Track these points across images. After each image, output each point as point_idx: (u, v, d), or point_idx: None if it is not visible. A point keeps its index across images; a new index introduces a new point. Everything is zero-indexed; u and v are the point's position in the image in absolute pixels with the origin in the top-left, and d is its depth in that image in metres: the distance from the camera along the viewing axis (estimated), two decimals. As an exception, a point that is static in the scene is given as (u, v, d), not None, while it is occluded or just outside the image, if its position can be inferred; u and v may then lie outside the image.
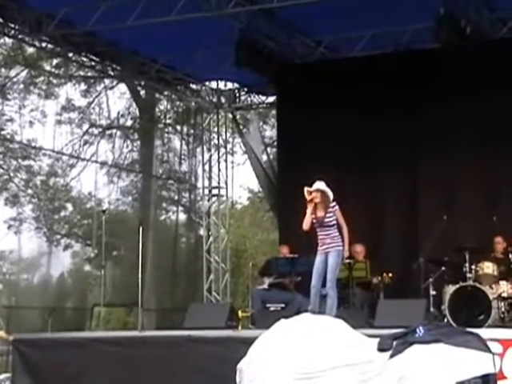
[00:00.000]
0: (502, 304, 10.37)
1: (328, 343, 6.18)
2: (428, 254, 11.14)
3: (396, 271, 12.04)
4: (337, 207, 9.57)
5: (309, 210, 9.56)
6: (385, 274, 11.79)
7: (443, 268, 11.12)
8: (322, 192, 9.57)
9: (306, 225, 9.59)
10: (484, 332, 6.64)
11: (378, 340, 6.10)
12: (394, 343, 5.93)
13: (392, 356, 5.81)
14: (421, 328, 6.00)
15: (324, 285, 9.61)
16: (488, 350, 5.78)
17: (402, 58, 13.01)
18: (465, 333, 6.05)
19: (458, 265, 10.90)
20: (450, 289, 10.55)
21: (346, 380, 5.78)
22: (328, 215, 9.52)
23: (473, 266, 10.73)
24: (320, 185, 9.63)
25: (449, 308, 10.31)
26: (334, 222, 9.51)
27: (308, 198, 9.55)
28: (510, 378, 7.03)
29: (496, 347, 6.88)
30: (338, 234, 9.55)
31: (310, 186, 9.65)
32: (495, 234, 11.34)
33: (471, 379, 5.65)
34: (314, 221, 9.57)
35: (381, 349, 5.97)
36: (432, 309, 10.55)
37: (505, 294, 10.45)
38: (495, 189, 12.72)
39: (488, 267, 10.76)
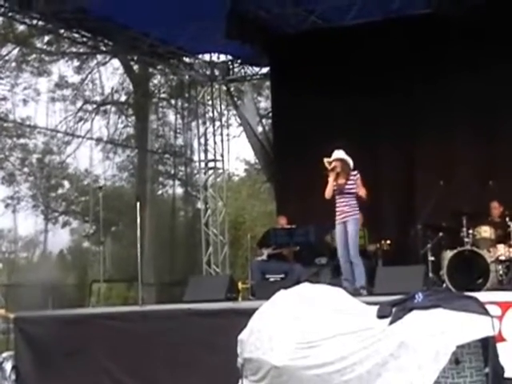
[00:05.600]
0: (500, 267, 10.44)
1: (328, 312, 6.20)
2: (425, 220, 11.18)
3: (394, 238, 12.11)
4: (358, 175, 9.83)
5: (331, 179, 9.74)
6: (383, 242, 11.86)
7: (441, 233, 11.17)
8: (342, 160, 9.80)
9: (328, 193, 9.88)
10: (483, 295, 6.67)
11: (377, 307, 6.13)
12: (394, 310, 5.95)
13: (391, 322, 5.82)
14: (419, 294, 6.01)
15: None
16: (487, 313, 5.79)
17: (394, 24, 12.94)
18: (463, 297, 6.07)
19: (456, 230, 10.96)
20: (448, 254, 10.61)
21: (347, 347, 5.81)
22: (349, 182, 9.80)
23: (470, 231, 10.80)
24: (339, 153, 9.88)
25: (447, 273, 10.37)
26: (355, 190, 9.77)
27: (329, 167, 9.72)
28: (509, 340, 7.10)
29: (495, 310, 6.93)
30: (356, 202, 9.79)
31: (329, 156, 9.89)
32: (491, 198, 11.37)
33: (471, 343, 5.69)
34: (335, 188, 9.77)
35: (380, 316, 5.98)
36: (431, 274, 10.60)
37: (502, 257, 10.51)
38: (491, 153, 12.73)
39: (485, 231, 10.82)
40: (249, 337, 6.31)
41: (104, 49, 15.86)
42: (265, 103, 22.37)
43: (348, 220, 9.80)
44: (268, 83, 17.54)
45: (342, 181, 9.84)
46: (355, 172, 9.92)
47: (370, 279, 9.84)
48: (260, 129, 18.91)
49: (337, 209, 9.90)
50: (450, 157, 12.96)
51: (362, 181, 9.90)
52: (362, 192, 9.83)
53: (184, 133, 19.62)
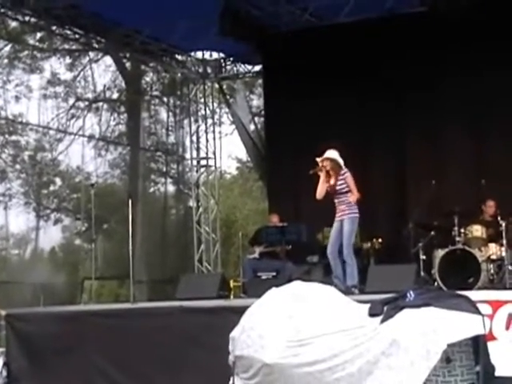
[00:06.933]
0: (491, 266, 10.47)
1: (319, 310, 6.21)
2: (417, 219, 11.21)
3: (386, 237, 12.12)
4: (347, 175, 9.74)
5: (321, 179, 9.72)
6: (375, 240, 11.87)
7: (433, 232, 11.20)
8: (331, 160, 9.75)
9: (319, 194, 9.88)
10: (474, 294, 6.69)
11: (368, 305, 6.13)
12: (385, 308, 5.96)
13: (383, 321, 5.84)
14: (411, 292, 6.03)
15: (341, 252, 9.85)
16: (478, 311, 5.82)
17: (388, 23, 12.95)
18: (454, 296, 6.09)
19: (448, 229, 10.98)
20: (440, 253, 10.63)
21: (338, 345, 5.82)
22: (339, 182, 9.74)
23: (462, 230, 10.82)
24: (330, 153, 9.83)
25: (439, 272, 10.39)
26: (347, 189, 9.72)
27: (318, 167, 9.72)
28: (499, 339, 7.11)
29: (485, 309, 6.94)
30: (353, 201, 9.70)
31: (321, 155, 9.86)
32: (484, 197, 11.40)
33: (462, 341, 5.70)
34: (329, 189, 9.75)
35: (372, 314, 6.00)
36: (422, 273, 10.62)
37: (494, 256, 10.54)
38: (483, 153, 12.75)
39: (477, 230, 10.84)
40: (240, 334, 6.32)
41: (96, 46, 15.84)
42: (257, 101, 22.34)
43: (344, 219, 9.79)
44: (260, 81, 17.52)
45: (333, 181, 9.82)
46: (344, 171, 9.84)
47: (361, 278, 9.85)
48: (252, 127, 18.92)
49: (336, 207, 9.90)
50: (442, 156, 12.98)
51: (353, 181, 9.81)
52: (352, 195, 9.73)
53: (176, 130, 19.59)
